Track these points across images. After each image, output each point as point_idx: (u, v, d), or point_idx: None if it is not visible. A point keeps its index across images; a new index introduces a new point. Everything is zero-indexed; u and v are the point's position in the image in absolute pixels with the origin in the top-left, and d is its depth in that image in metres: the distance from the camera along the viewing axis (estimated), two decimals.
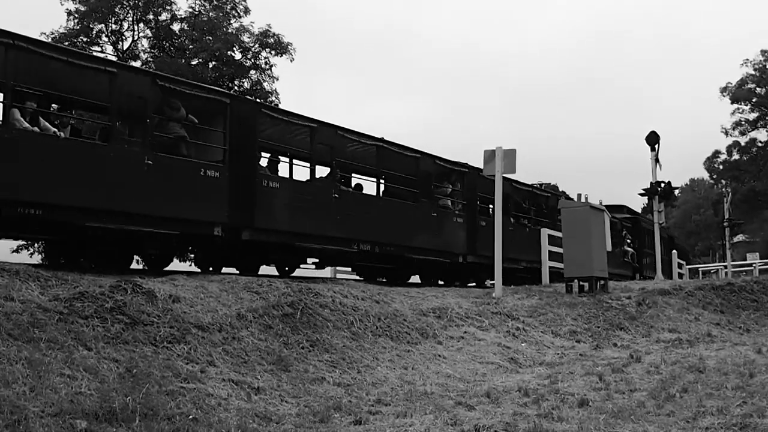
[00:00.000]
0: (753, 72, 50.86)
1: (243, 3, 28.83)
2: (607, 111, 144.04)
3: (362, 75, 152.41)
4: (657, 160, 21.91)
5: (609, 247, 15.98)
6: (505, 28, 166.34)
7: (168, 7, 28.26)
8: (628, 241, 28.57)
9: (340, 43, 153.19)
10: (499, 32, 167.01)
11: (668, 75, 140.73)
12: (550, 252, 17.67)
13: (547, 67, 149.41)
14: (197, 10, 28.51)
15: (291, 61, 28.60)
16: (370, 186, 16.58)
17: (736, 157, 54.14)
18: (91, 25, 27.03)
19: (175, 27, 28.74)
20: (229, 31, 28.11)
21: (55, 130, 10.83)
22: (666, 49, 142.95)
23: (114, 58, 25.82)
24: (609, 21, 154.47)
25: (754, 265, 38.85)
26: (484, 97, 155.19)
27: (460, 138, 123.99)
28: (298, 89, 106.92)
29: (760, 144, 53.08)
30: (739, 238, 59.04)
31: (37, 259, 23.52)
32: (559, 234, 16.30)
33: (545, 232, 18.16)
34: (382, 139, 15.97)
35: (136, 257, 13.89)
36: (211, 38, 27.62)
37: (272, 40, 28.16)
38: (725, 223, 37.94)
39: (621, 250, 26.38)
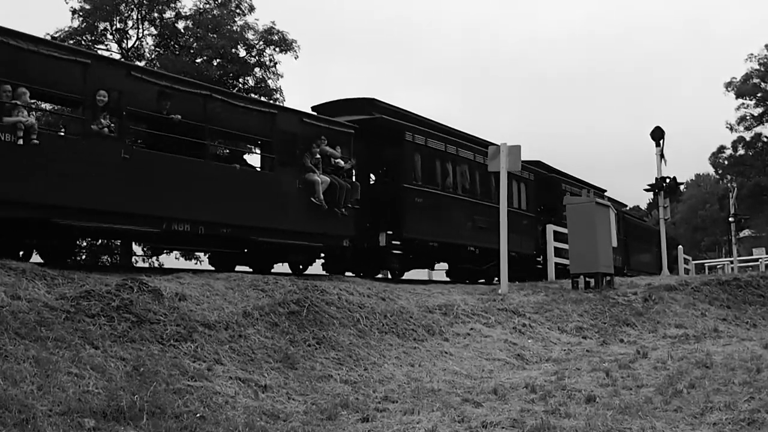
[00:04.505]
0: (758, 67, 50.63)
1: (248, 1, 28.83)
2: (612, 106, 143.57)
3: (379, 66, 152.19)
4: (662, 156, 21.88)
5: (615, 243, 15.95)
6: (520, 20, 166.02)
7: (173, 5, 28.27)
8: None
9: (357, 34, 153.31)
10: (512, 25, 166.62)
11: (672, 70, 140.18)
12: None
13: (553, 64, 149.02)
14: (202, 7, 28.51)
15: (295, 58, 28.60)
16: None
17: (741, 152, 53.91)
18: (96, 24, 27.05)
19: (180, 25, 28.74)
20: (234, 28, 28.11)
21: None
22: (671, 43, 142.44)
23: (118, 57, 25.86)
24: (612, 19, 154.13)
25: (760, 260, 38.81)
26: (501, 88, 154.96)
27: (480, 128, 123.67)
28: (311, 81, 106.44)
29: (765, 139, 52.84)
30: (745, 233, 58.98)
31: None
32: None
33: (550, 228, 18.19)
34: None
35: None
36: (215, 36, 27.61)
37: (276, 37, 28.14)
38: (731, 219, 37.95)
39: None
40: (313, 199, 13.23)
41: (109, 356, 6.66)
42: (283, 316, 8.87)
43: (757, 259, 39.80)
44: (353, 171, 15.56)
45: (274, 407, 6.68)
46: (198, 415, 5.91)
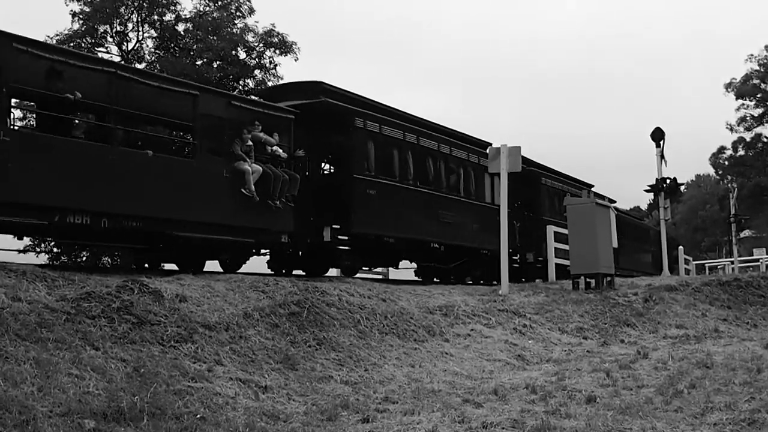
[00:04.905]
0: (757, 68, 50.63)
1: (248, 3, 28.86)
2: (612, 106, 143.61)
3: (379, 66, 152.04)
4: (662, 157, 21.89)
5: (615, 244, 15.95)
6: (520, 21, 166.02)
7: (173, 8, 28.30)
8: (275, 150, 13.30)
9: (357, 35, 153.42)
10: (512, 25, 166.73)
11: (672, 70, 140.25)
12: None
13: (553, 64, 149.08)
14: (202, 10, 28.53)
15: (295, 60, 28.62)
16: None
17: (741, 152, 53.90)
18: (96, 26, 27.07)
19: (180, 27, 28.75)
20: (234, 31, 28.12)
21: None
22: (671, 43, 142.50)
23: (118, 59, 25.87)
24: (612, 19, 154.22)
25: (760, 260, 38.81)
26: (502, 89, 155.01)
27: (481, 129, 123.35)
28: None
29: (765, 139, 52.83)
30: (746, 233, 58.98)
31: (43, 259, 23.55)
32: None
33: (551, 229, 18.18)
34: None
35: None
36: (215, 38, 27.62)
37: (276, 39, 28.16)
38: (731, 219, 37.95)
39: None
40: (243, 190, 11.98)
41: (110, 357, 6.66)
42: (283, 317, 8.88)
43: (757, 260, 39.82)
44: (307, 161, 14.66)
45: (274, 408, 6.68)
46: (198, 416, 5.92)
